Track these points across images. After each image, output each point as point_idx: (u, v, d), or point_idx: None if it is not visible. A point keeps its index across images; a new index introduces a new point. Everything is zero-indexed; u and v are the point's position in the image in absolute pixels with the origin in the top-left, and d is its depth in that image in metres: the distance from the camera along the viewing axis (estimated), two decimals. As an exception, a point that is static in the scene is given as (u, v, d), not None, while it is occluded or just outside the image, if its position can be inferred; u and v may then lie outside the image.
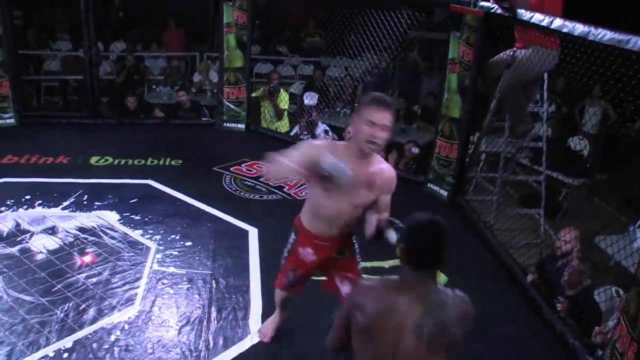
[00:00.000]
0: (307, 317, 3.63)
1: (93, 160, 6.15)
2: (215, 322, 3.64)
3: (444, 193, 5.88)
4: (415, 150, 6.62)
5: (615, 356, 2.88)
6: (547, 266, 4.37)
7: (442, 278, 4.17)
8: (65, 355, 3.30)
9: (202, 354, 3.36)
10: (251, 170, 6.09)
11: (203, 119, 7.82)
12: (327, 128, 7.30)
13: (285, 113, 7.63)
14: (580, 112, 7.65)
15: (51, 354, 3.30)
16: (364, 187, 2.66)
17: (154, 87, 9.18)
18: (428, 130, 7.31)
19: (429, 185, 6.06)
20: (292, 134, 7.41)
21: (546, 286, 4.20)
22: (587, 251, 4.67)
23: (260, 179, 5.84)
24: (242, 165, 6.21)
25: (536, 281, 4.26)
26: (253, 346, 3.46)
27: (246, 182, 5.82)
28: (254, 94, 7.62)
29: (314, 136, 7.15)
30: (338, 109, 8.24)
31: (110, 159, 6.19)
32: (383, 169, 2.73)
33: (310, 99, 7.57)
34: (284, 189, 5.71)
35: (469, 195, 5.83)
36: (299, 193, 5.63)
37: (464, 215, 5.46)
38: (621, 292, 3.77)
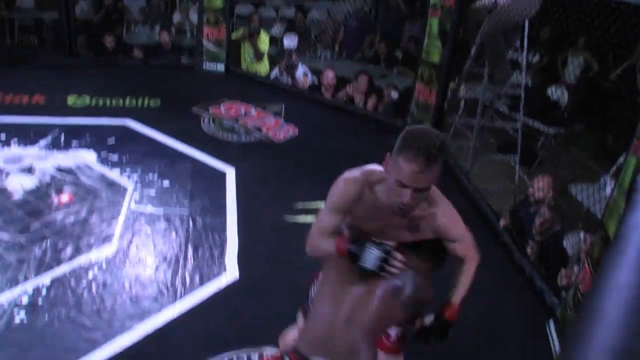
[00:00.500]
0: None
1: (70, 100, 6.04)
2: (192, 259, 3.68)
3: (421, 138, 5.85)
4: (394, 94, 6.61)
5: (577, 297, 2.97)
6: (520, 212, 4.45)
7: None
8: (44, 291, 3.32)
9: (179, 290, 3.41)
10: (230, 112, 6.04)
11: (182, 59, 7.69)
12: (307, 71, 7.23)
13: (265, 55, 7.53)
14: (563, 62, 7.64)
15: (30, 290, 3.32)
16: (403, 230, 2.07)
17: (133, 26, 8.98)
18: (408, 75, 7.27)
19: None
20: (272, 76, 7.34)
21: (518, 231, 4.29)
22: (560, 199, 4.76)
23: (239, 122, 5.80)
24: (221, 106, 6.15)
25: (508, 226, 4.34)
26: (229, 283, 3.50)
27: (224, 124, 5.78)
28: (233, 35, 7.48)
29: (294, 79, 7.09)
30: (319, 52, 8.15)
31: (88, 99, 6.09)
32: (436, 214, 2.05)
33: (290, 41, 7.46)
34: (262, 130, 5.68)
35: (447, 140, 5.84)
36: (277, 134, 5.62)
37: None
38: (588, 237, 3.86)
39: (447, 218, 2.07)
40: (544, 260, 3.90)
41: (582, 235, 3.89)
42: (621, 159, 4.33)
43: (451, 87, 5.85)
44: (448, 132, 5.90)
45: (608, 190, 4.32)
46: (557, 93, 6.91)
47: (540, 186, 4.24)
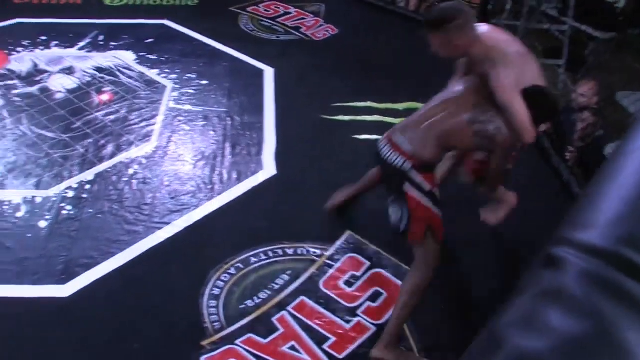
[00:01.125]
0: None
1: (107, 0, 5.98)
2: (230, 157, 3.70)
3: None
4: (442, -7, 6.34)
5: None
6: (562, 117, 4.29)
7: None
8: (88, 186, 3.43)
9: (217, 187, 3.45)
10: (269, 11, 5.88)
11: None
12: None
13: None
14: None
15: (75, 185, 3.42)
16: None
17: None
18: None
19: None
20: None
21: (558, 136, 4.15)
22: (608, 107, 4.57)
23: (277, 21, 5.67)
24: (260, 5, 5.99)
25: (549, 130, 4.21)
26: (266, 180, 3.53)
27: (263, 22, 5.64)
28: None
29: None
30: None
31: (125, -2, 6.01)
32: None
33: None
34: (301, 30, 5.54)
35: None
36: (316, 34, 5.48)
37: None
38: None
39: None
40: (583, 167, 3.79)
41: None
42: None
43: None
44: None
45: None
46: (613, -6, 6.49)
47: (585, 91, 4.05)
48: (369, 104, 4.29)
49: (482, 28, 2.48)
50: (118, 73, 4.59)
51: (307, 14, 5.86)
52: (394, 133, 2.51)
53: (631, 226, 0.58)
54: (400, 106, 4.30)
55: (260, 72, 4.71)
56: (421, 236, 2.42)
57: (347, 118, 4.12)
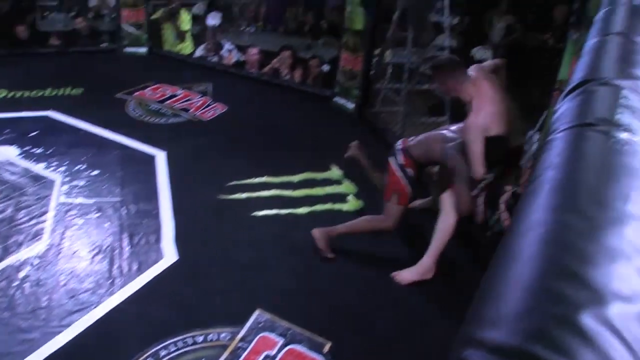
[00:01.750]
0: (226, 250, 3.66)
1: (-15, 94, 5.76)
2: (128, 247, 3.58)
3: (351, 106, 5.90)
4: (326, 67, 6.59)
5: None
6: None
7: (351, 188, 4.28)
8: (-27, 296, 3.19)
9: (117, 280, 3.32)
10: (155, 94, 5.89)
11: (102, 45, 7.43)
12: (232, 47, 7.13)
13: (188, 34, 7.37)
14: (489, 21, 7.75)
15: (-42, 296, 3.17)
16: None
17: (46, 13, 8.56)
18: (334, 45, 7.25)
19: (335, 99, 6.07)
20: (196, 55, 7.19)
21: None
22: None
23: (166, 104, 5.67)
24: (146, 89, 5.99)
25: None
26: (168, 267, 3.44)
27: (150, 107, 5.64)
28: (153, 16, 7.27)
29: (220, 57, 6.98)
30: (242, 28, 8.01)
31: (5, 92, 5.81)
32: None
33: (213, 19, 7.31)
34: (190, 111, 5.58)
35: (378, 106, 5.89)
36: (205, 114, 5.52)
37: (371, 127, 5.53)
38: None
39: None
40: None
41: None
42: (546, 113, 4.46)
43: (377, 53, 5.87)
44: (376, 99, 5.93)
45: (534, 146, 4.43)
46: (480, 53, 7.01)
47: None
48: (265, 179, 4.35)
49: (473, 74, 3.07)
50: (1, 170, 4.38)
51: (194, 94, 5.92)
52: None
53: (537, 319, 0.59)
54: (296, 178, 4.39)
55: (151, 158, 4.66)
56: (389, 195, 3.34)
57: (244, 196, 4.14)
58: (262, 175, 4.37)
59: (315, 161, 4.70)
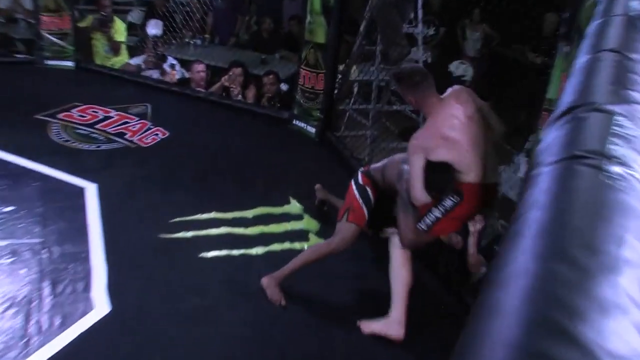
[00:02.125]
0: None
1: None
2: (50, 298, 3.49)
3: (312, 130, 5.97)
4: (284, 87, 6.65)
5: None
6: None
7: (313, 224, 4.30)
8: None
9: (34, 339, 3.20)
10: (85, 116, 5.83)
11: (17, 55, 7.34)
12: (175, 62, 7.13)
13: (123, 46, 7.35)
14: (462, 32, 7.94)
15: None
16: None
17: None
18: (292, 60, 7.33)
19: (294, 122, 6.13)
20: (132, 62, 7.18)
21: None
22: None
23: (97, 128, 5.63)
24: (73, 110, 5.93)
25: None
26: (99, 320, 3.37)
27: (79, 131, 5.58)
28: (81, 24, 7.25)
29: (162, 72, 6.97)
30: (187, 40, 8.03)
31: None
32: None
33: (153, 27, 7.31)
34: (126, 136, 5.54)
35: (342, 130, 5.95)
36: (143, 139, 5.49)
37: (335, 153, 5.60)
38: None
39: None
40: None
41: (499, 225, 4.05)
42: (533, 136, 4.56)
43: (341, 70, 5.95)
44: (341, 121, 5.99)
45: (522, 170, 4.53)
46: (460, 68, 7.17)
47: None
48: (213, 215, 4.34)
49: (448, 91, 3.21)
50: None
51: (131, 117, 5.89)
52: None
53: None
54: (250, 213, 4.40)
55: (80, 191, 4.59)
56: (341, 214, 3.49)
57: (189, 234, 4.11)
58: (211, 211, 4.36)
59: (272, 194, 4.71)
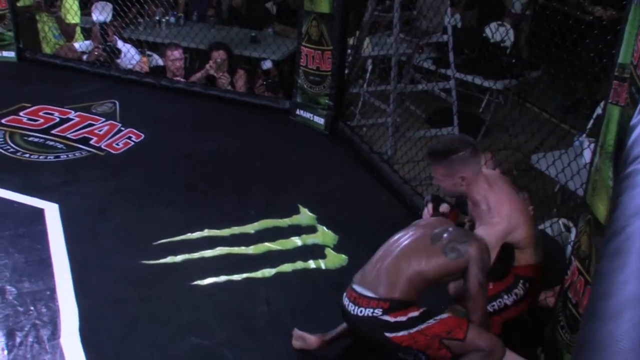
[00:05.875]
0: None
1: None
2: (5, 352, 3.45)
3: (320, 120, 5.92)
4: (266, 64, 6.60)
5: (569, 309, 3.01)
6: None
7: (329, 237, 4.27)
8: None
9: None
10: (37, 120, 5.80)
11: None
12: (134, 51, 7.05)
13: (78, 30, 7.31)
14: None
15: None
16: None
17: None
18: (289, 36, 7.29)
19: (298, 112, 6.09)
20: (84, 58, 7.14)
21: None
22: (524, 176, 4.87)
23: (53, 133, 5.58)
24: (21, 113, 5.91)
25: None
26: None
27: (30, 138, 5.54)
28: (20, 2, 7.22)
29: (116, 66, 6.90)
30: (157, 18, 7.97)
31: None
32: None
33: (100, 12, 7.11)
34: (91, 141, 5.51)
35: (356, 119, 5.90)
36: (113, 145, 5.46)
37: (350, 147, 5.57)
38: (571, 224, 3.95)
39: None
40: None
41: (561, 223, 4.00)
42: (598, 110, 4.50)
43: (351, 44, 5.90)
44: (355, 107, 5.95)
45: (587, 155, 4.46)
46: (499, 32, 7.07)
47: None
48: (206, 232, 4.30)
49: (487, 171, 3.35)
50: None
51: (96, 117, 5.86)
52: (353, 285, 3.12)
53: None
54: (251, 228, 4.37)
55: (37, 213, 4.54)
56: (446, 352, 3.03)
57: (179, 258, 4.07)
58: (203, 228, 4.32)
59: (277, 202, 4.68)
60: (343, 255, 4.13)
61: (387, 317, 2.97)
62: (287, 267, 4.05)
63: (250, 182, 4.97)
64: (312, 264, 4.09)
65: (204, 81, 6.60)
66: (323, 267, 4.07)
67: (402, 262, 3.04)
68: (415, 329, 2.98)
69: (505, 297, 3.32)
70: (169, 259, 4.06)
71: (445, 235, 3.07)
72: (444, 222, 3.26)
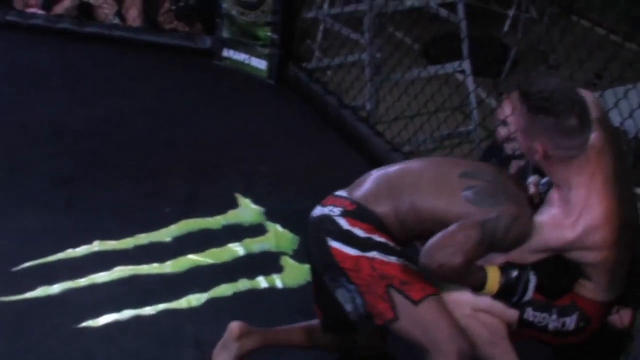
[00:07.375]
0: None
1: None
2: None
3: (261, 64, 5.96)
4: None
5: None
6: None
7: (285, 239, 4.24)
8: None
9: None
10: None
11: None
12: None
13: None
14: None
15: None
16: None
17: None
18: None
19: (226, 52, 6.11)
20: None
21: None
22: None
23: None
24: None
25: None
26: None
27: None
28: None
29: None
30: None
31: None
32: None
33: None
34: None
35: (315, 59, 5.87)
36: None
37: (309, 102, 5.66)
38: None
39: None
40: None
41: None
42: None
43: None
44: (313, 40, 5.92)
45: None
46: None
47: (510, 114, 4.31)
48: (96, 246, 4.26)
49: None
50: None
51: None
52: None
53: None
54: (166, 233, 4.36)
55: None
56: (387, 307, 3.06)
57: (56, 289, 4.03)
58: (90, 240, 4.28)
59: (203, 192, 4.70)
60: (304, 266, 4.05)
61: (341, 220, 3.09)
62: (224, 290, 4.05)
63: (162, 163, 4.96)
64: (262, 281, 4.10)
65: (76, 12, 6.59)
66: (279, 285, 4.09)
67: (417, 188, 3.12)
68: (366, 254, 3.07)
69: (554, 317, 3.25)
70: (40, 291, 4.02)
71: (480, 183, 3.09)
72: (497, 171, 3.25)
